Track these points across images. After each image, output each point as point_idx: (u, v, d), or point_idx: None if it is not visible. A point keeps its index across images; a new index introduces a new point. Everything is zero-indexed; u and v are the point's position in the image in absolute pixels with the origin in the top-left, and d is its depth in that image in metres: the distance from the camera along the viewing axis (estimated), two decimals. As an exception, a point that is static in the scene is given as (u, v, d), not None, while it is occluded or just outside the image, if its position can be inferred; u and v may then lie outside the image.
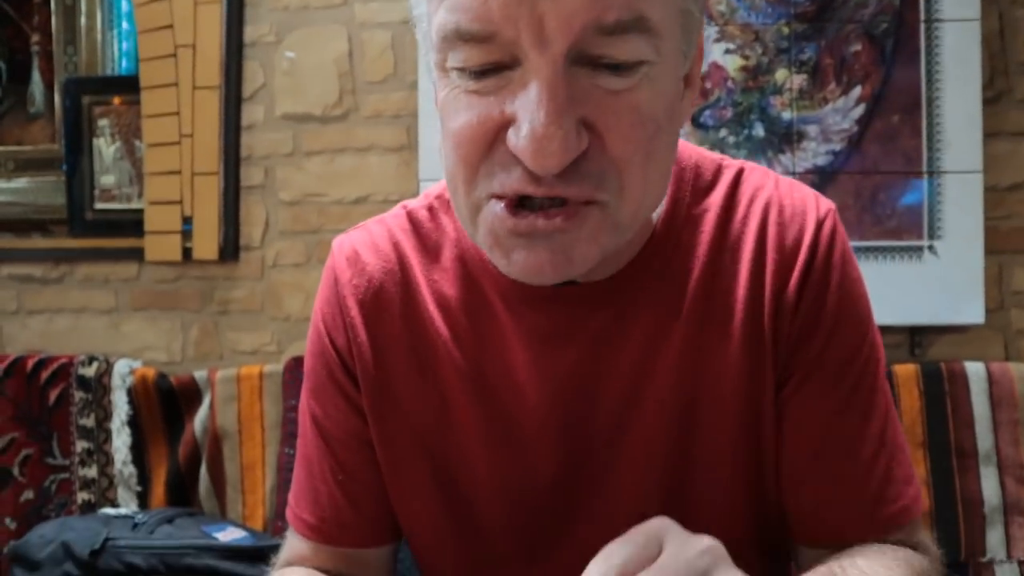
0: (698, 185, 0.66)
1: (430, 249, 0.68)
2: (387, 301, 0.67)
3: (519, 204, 0.53)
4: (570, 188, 0.51)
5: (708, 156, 0.68)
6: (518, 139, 0.50)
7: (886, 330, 0.71)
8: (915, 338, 1.70)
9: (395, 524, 0.73)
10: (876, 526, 0.66)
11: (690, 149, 0.68)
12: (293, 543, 0.75)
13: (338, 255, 0.70)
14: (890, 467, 0.68)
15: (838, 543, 0.65)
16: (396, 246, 0.68)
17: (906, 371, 1.60)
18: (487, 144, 0.52)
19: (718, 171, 0.67)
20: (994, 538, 1.61)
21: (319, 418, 0.71)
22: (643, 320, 0.64)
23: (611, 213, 0.53)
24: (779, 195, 0.65)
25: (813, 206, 0.65)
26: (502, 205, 0.53)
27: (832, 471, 0.66)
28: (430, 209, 0.69)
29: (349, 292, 0.68)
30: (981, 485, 1.61)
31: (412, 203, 0.71)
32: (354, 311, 0.68)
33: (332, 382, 0.69)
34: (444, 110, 0.54)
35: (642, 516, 0.68)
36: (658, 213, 0.64)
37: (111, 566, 1.30)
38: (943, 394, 1.62)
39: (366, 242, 0.69)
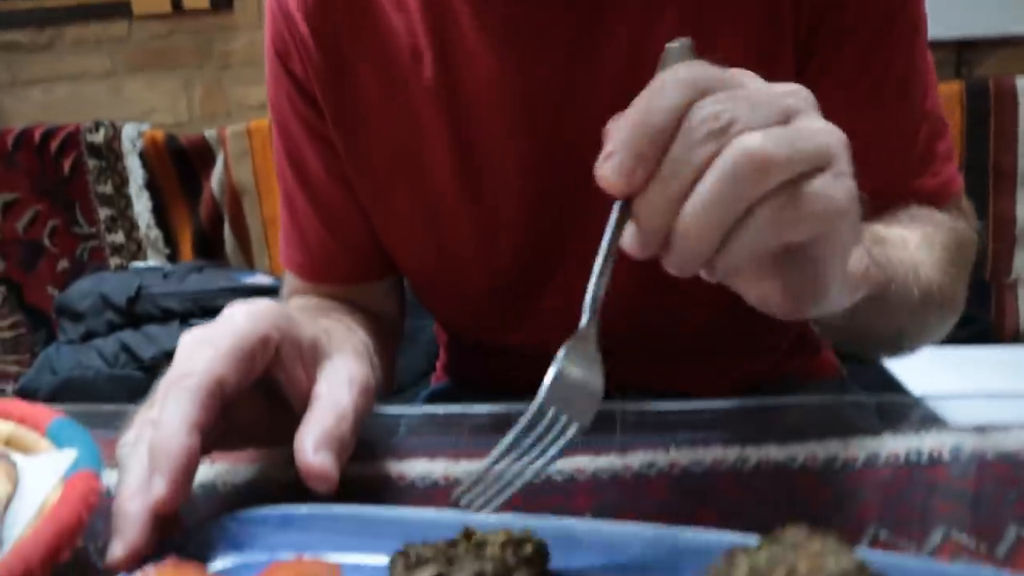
0: None
1: None
2: (338, 14, 0.60)
3: None
4: None
5: None
6: None
7: (930, 46, 0.63)
8: (963, 55, 1.60)
9: (386, 261, 0.71)
10: (916, 203, 0.64)
11: None
12: (292, 280, 0.74)
13: None
14: (931, 141, 0.64)
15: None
16: None
17: (949, 90, 1.53)
18: None
19: None
20: (1022, 259, 1.62)
21: (292, 155, 0.67)
22: (629, 10, 0.57)
23: None
24: None
25: None
26: None
27: (867, 146, 0.62)
28: None
29: (295, 7, 0.61)
30: (1016, 206, 1.59)
31: None
32: (304, 30, 0.61)
33: (295, 115, 0.65)
34: None
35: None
36: None
37: (148, 311, 1.38)
38: (987, 113, 1.55)
39: None
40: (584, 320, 0.39)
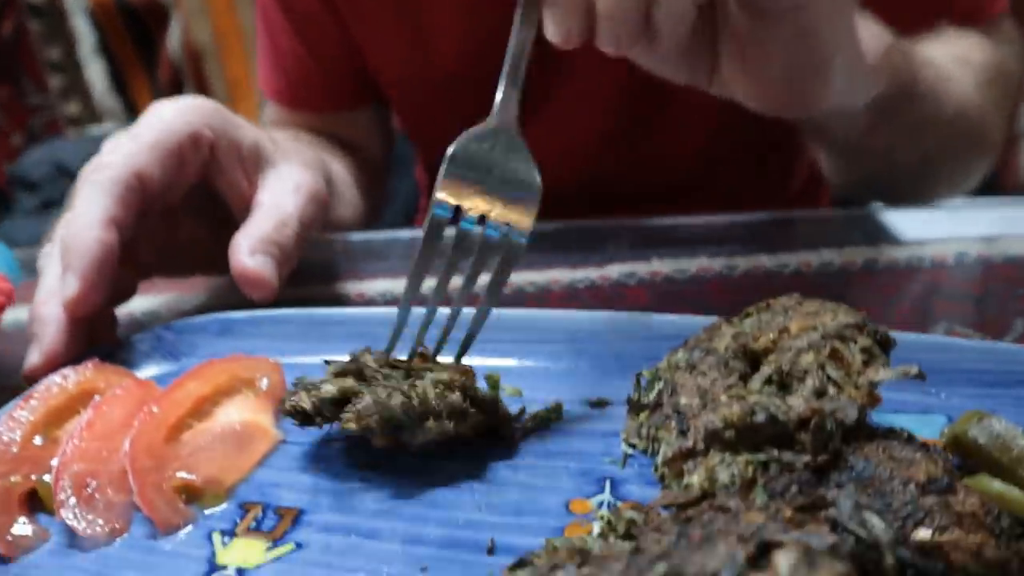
0: None
1: None
2: None
3: None
4: None
5: None
6: None
7: None
8: None
9: (366, 84, 0.67)
10: (952, 19, 0.57)
11: None
12: (272, 110, 0.71)
13: None
14: None
15: None
16: None
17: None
18: None
19: None
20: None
21: None
22: None
23: None
24: None
25: None
26: None
27: None
28: None
29: None
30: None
31: None
32: None
33: None
34: None
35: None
36: None
37: (107, 177, 1.31)
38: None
39: None
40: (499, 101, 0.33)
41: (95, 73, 1.68)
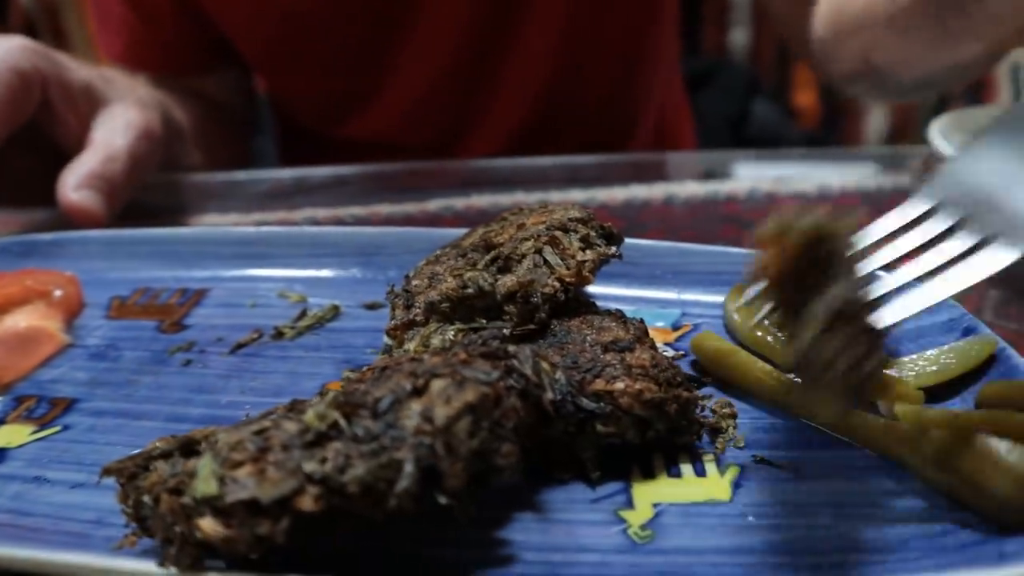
0: None
1: None
2: None
3: None
4: None
5: None
6: None
7: None
8: None
9: (210, 46, 0.67)
10: None
11: None
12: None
13: None
14: None
15: None
16: None
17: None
18: None
19: None
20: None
21: None
22: None
23: None
24: None
25: None
26: None
27: None
28: None
29: None
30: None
31: None
32: None
33: None
34: None
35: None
36: None
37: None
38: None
39: None
40: None
41: (-62, 23, 1.58)
